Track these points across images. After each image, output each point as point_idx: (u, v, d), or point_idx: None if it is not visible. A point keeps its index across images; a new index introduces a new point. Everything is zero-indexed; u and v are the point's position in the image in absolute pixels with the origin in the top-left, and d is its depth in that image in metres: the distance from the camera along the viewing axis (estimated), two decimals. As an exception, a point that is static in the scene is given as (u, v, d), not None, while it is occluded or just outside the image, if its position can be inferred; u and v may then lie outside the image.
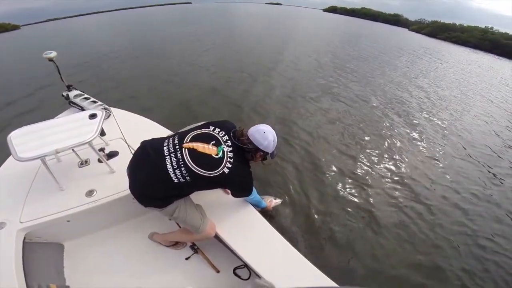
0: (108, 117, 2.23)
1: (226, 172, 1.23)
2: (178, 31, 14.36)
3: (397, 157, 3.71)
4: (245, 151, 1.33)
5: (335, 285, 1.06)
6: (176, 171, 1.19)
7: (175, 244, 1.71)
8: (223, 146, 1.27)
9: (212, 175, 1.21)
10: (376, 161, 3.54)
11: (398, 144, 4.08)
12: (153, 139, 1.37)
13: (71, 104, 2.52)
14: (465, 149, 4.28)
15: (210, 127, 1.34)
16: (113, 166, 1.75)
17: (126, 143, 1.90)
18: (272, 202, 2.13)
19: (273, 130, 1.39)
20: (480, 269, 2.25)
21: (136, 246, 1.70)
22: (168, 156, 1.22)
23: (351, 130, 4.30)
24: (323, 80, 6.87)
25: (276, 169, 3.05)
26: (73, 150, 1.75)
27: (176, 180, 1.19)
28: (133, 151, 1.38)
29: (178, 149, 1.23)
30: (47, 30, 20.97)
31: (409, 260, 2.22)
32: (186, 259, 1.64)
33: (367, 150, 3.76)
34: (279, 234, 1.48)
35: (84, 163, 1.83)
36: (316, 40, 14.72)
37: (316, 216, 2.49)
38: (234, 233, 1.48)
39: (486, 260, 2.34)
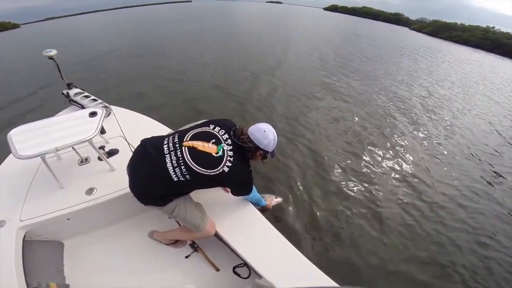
0: (109, 115, 2.22)
1: (226, 171, 1.22)
2: (179, 30, 14.34)
3: (400, 155, 3.71)
4: (245, 150, 1.32)
5: (336, 284, 1.06)
6: (176, 169, 1.19)
7: (175, 243, 1.71)
8: (223, 144, 1.27)
9: (212, 173, 1.21)
10: (378, 159, 3.54)
11: (401, 142, 4.09)
12: (153, 137, 1.37)
13: (71, 102, 2.51)
14: (468, 148, 4.29)
15: (210, 125, 1.33)
16: (113, 164, 1.75)
17: (126, 141, 1.90)
18: (272, 200, 2.12)
19: (273, 129, 1.38)
20: (482, 266, 2.25)
21: (136, 244, 1.70)
22: (168, 155, 1.22)
23: (354, 128, 4.30)
24: (325, 79, 6.86)
25: (278, 166, 3.06)
26: (73, 148, 1.74)
27: (176, 179, 1.18)
28: (133, 149, 1.38)
29: (178, 148, 1.23)
30: (47, 28, 20.93)
31: (411, 258, 2.23)
32: (186, 257, 1.64)
33: (370, 148, 3.76)
34: (279, 233, 1.47)
35: (84, 161, 1.83)
36: (317, 38, 14.69)
37: (318, 214, 2.50)
38: (234, 231, 1.48)
39: (486, 258, 2.34)
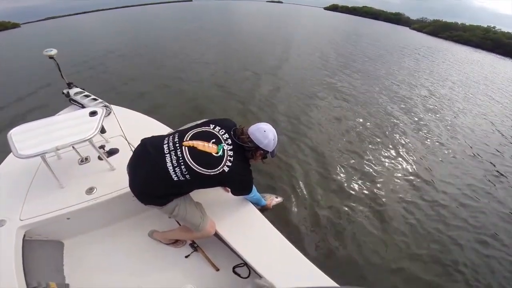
0: (109, 114, 2.22)
1: (226, 171, 1.22)
2: (180, 29, 14.33)
3: (401, 154, 3.71)
4: (245, 149, 1.32)
5: (336, 284, 1.05)
6: (176, 169, 1.18)
7: (175, 242, 1.70)
8: (223, 144, 1.26)
9: (212, 173, 1.20)
10: (380, 158, 3.55)
11: (402, 141, 4.09)
12: (153, 137, 1.36)
13: (71, 101, 2.51)
14: (470, 147, 4.28)
15: (211, 125, 1.33)
16: (113, 163, 1.75)
17: (126, 140, 1.89)
18: (272, 200, 2.11)
19: (273, 129, 1.37)
20: (483, 265, 2.25)
21: (136, 244, 1.70)
22: (168, 154, 1.21)
23: (355, 127, 4.30)
24: (327, 78, 6.86)
25: (280, 165, 3.06)
26: (73, 147, 1.74)
27: (176, 178, 1.18)
28: (133, 149, 1.38)
29: (178, 147, 1.23)
30: (47, 28, 20.94)
31: (413, 257, 2.23)
32: (186, 257, 1.64)
33: (371, 147, 3.76)
34: (279, 233, 1.47)
35: (84, 160, 1.83)
36: (318, 38, 14.67)
37: (320, 213, 2.50)
38: (234, 231, 1.48)
39: (487, 257, 2.34)
